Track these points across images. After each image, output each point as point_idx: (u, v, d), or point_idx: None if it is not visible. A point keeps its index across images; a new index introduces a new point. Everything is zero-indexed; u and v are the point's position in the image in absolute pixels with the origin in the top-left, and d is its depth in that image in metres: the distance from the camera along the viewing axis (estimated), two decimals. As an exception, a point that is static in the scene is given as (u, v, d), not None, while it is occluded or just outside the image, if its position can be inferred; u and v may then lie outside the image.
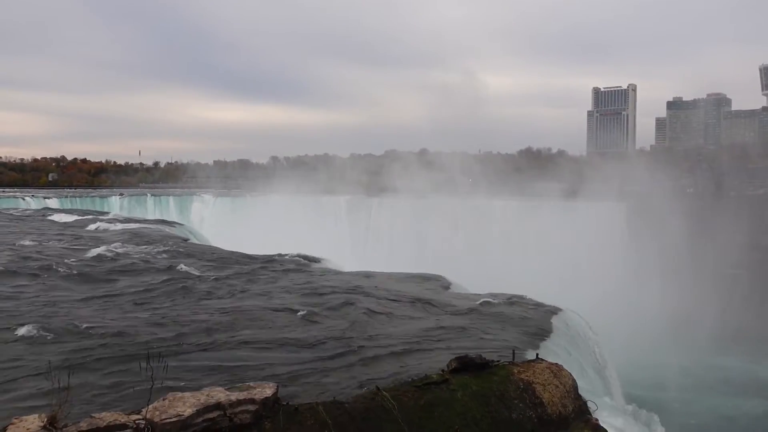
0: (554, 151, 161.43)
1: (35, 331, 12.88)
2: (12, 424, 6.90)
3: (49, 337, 12.60)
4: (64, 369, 9.61)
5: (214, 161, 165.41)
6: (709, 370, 34.06)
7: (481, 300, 17.51)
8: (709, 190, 57.28)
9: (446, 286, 21.03)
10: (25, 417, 6.98)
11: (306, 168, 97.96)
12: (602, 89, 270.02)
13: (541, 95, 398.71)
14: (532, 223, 59.51)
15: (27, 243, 28.40)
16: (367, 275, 22.34)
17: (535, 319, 15.46)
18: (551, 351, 12.90)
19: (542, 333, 14.34)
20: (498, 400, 9.45)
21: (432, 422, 8.48)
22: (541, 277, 38.09)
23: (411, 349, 12.21)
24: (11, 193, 79.33)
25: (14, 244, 27.46)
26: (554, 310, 16.56)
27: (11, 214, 48.13)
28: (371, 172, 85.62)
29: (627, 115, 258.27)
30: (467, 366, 9.94)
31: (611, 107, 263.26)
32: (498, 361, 10.49)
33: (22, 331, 12.93)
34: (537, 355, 11.63)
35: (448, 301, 17.59)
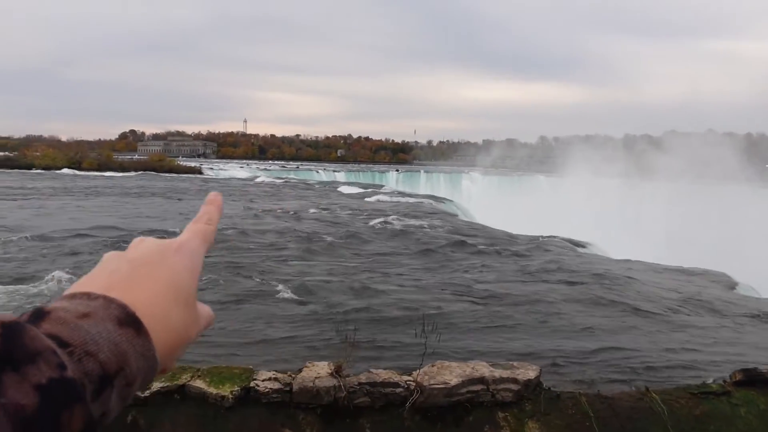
0: None
1: (334, 290, 14.78)
2: (306, 367, 8.01)
3: (342, 296, 14.35)
4: (350, 324, 10.90)
5: (483, 140, 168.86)
6: None
7: (776, 307, 15.30)
8: None
9: (731, 285, 18.75)
10: (317, 363, 8.06)
11: (573, 148, 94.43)
12: None
13: None
14: None
15: (318, 210, 32.51)
16: (635, 265, 20.97)
17: None
18: None
19: None
20: (792, 423, 8.27)
21: (707, 435, 7.78)
22: None
23: (681, 351, 11.25)
24: (307, 167, 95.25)
25: (309, 210, 31.89)
26: None
27: (308, 185, 55.95)
28: (646, 152, 79.28)
29: None
30: (754, 380, 8.85)
31: None
32: (794, 379, 9.14)
33: (322, 288, 14.94)
34: None
35: (732, 304, 15.69)
